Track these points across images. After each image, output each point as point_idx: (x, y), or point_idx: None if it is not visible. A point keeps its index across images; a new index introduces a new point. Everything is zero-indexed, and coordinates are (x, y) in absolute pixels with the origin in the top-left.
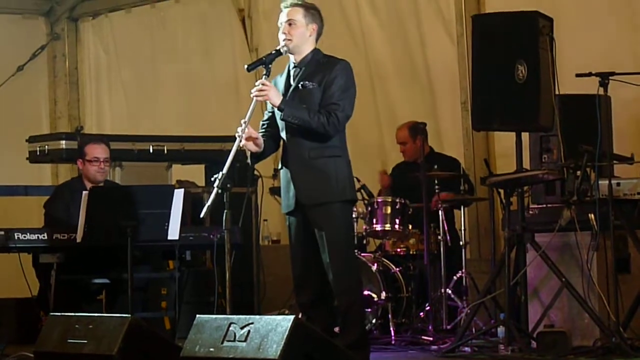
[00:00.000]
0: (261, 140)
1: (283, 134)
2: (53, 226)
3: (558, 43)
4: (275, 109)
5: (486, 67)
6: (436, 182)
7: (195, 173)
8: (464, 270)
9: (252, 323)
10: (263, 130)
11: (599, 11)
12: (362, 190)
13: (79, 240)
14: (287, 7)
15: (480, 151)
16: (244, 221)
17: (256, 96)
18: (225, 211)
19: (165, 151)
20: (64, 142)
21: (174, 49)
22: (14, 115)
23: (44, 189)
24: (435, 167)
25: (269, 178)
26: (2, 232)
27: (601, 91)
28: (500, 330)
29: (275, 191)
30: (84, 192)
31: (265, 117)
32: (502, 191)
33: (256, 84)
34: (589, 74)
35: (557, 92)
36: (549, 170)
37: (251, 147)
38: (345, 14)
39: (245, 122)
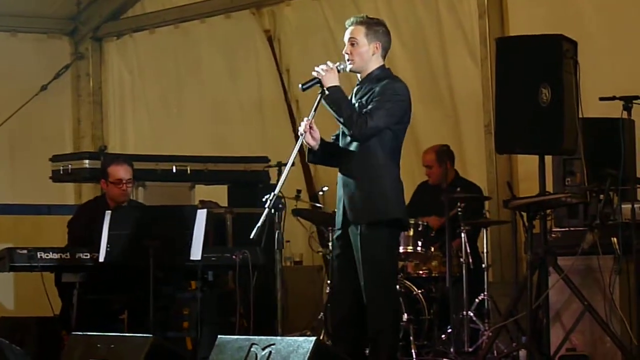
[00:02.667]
0: (318, 134)
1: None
2: (76, 246)
3: (582, 66)
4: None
5: (510, 90)
6: (459, 205)
7: (218, 193)
8: (486, 293)
9: (273, 344)
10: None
11: (623, 35)
12: None
13: (101, 259)
14: (350, 25)
15: (503, 174)
16: (266, 242)
17: (316, 71)
18: (277, 232)
19: (189, 171)
20: (87, 161)
21: (198, 69)
22: (38, 135)
23: (67, 208)
24: (458, 189)
25: (291, 199)
26: (25, 251)
27: (625, 115)
28: (522, 353)
29: (298, 212)
30: (107, 212)
31: (336, 133)
32: (524, 214)
33: (322, 67)
34: (613, 98)
35: (580, 116)
36: (572, 194)
37: (309, 140)
38: None
39: (307, 119)
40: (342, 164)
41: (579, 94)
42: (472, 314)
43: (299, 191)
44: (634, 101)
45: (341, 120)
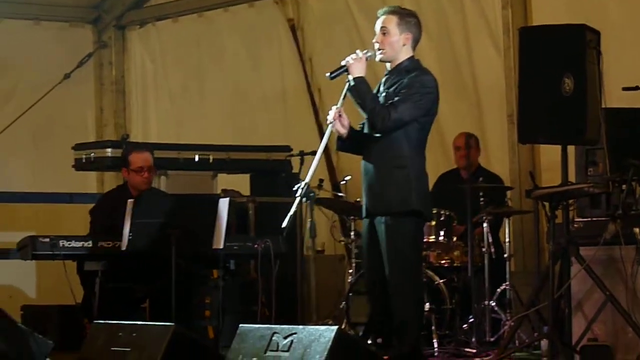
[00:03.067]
0: (347, 121)
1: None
2: (98, 234)
3: (605, 56)
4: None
5: (533, 80)
6: (481, 195)
7: (240, 182)
8: (507, 283)
9: (295, 333)
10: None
11: None
12: None
13: (123, 248)
14: (382, 14)
15: (526, 164)
16: (289, 231)
17: (347, 61)
18: (310, 220)
19: (211, 160)
20: (109, 150)
21: (221, 58)
22: (60, 123)
23: (89, 197)
24: (481, 179)
25: (314, 188)
26: (47, 240)
27: None
28: (544, 343)
29: (320, 201)
30: (129, 200)
31: (362, 122)
32: (547, 204)
33: (352, 55)
34: (636, 88)
35: (603, 106)
36: (594, 184)
37: (339, 127)
38: None
39: (336, 107)
40: (367, 153)
41: (602, 84)
42: (493, 304)
43: (321, 180)
44: None
45: (365, 112)
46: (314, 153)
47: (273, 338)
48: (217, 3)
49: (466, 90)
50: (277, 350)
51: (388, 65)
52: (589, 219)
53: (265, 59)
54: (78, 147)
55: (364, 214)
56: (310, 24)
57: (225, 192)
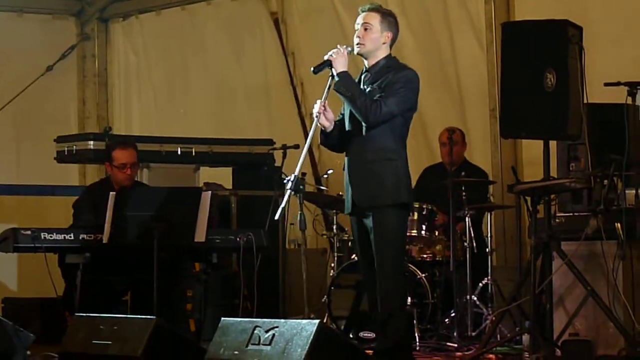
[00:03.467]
0: (331, 115)
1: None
2: (80, 226)
3: (587, 52)
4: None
5: (515, 75)
6: (463, 189)
7: (223, 176)
8: (489, 277)
9: (277, 327)
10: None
11: (629, 21)
12: None
13: (105, 240)
14: (365, 11)
15: (508, 159)
16: (271, 225)
17: (330, 56)
18: (300, 213)
19: (193, 153)
20: (92, 142)
21: (205, 51)
22: (43, 115)
23: (71, 189)
24: (463, 173)
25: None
26: (29, 232)
27: (629, 100)
28: (525, 338)
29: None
30: (111, 193)
31: (338, 117)
32: (529, 199)
33: (334, 50)
34: (618, 84)
35: (585, 101)
36: (576, 179)
37: (323, 121)
38: None
39: (321, 101)
40: (351, 148)
41: (584, 79)
42: (475, 298)
43: (303, 174)
44: (639, 87)
45: (355, 106)
46: (296, 147)
47: (255, 332)
48: None
49: (449, 84)
50: (258, 344)
51: (366, 62)
52: (571, 214)
53: (249, 52)
54: (60, 139)
55: (348, 209)
56: (294, 17)
57: (208, 186)
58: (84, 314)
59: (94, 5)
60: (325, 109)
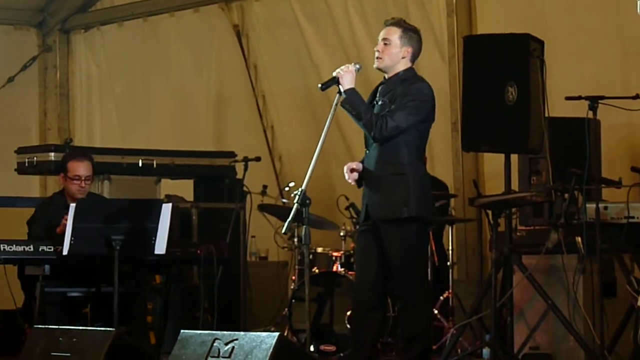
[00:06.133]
0: (359, 168)
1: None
2: (39, 239)
3: (549, 66)
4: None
5: (477, 88)
6: None
7: (184, 188)
8: (450, 291)
9: (236, 339)
10: None
11: (590, 35)
12: (350, 209)
13: (65, 252)
14: (388, 25)
15: (470, 172)
16: (232, 237)
17: (338, 72)
18: (304, 227)
19: (155, 165)
20: (52, 154)
21: (166, 63)
22: (3, 126)
23: (32, 201)
24: None
25: (258, 194)
26: None
27: (590, 115)
28: (486, 351)
29: (264, 208)
30: (72, 205)
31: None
32: (490, 212)
33: (342, 67)
34: (579, 98)
35: (547, 115)
36: (537, 193)
37: (353, 179)
38: (338, 32)
39: (347, 166)
40: (368, 160)
41: (545, 93)
42: (436, 312)
43: (265, 187)
44: (600, 101)
45: (361, 123)
46: (258, 159)
47: (214, 344)
48: (162, 8)
49: None
50: (218, 357)
51: (386, 75)
52: (532, 228)
53: (211, 64)
54: (21, 150)
55: (362, 217)
56: (256, 30)
57: (169, 198)
58: (43, 326)
59: (56, 17)
60: (351, 172)
